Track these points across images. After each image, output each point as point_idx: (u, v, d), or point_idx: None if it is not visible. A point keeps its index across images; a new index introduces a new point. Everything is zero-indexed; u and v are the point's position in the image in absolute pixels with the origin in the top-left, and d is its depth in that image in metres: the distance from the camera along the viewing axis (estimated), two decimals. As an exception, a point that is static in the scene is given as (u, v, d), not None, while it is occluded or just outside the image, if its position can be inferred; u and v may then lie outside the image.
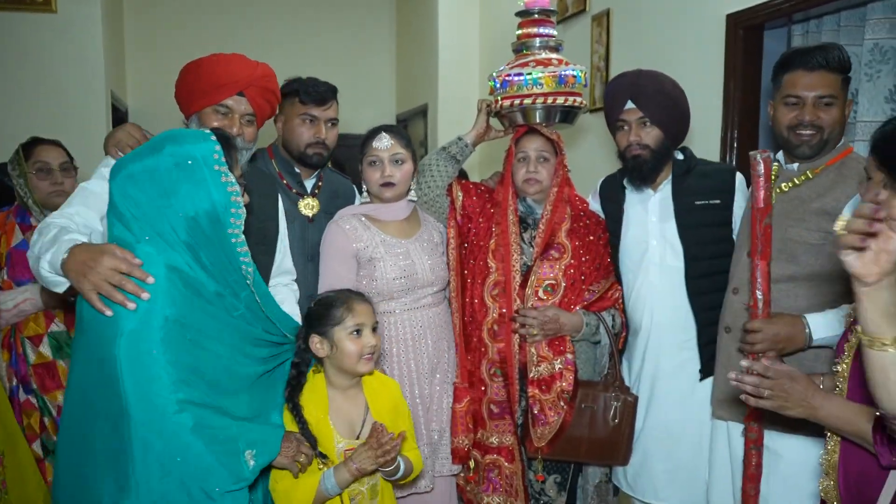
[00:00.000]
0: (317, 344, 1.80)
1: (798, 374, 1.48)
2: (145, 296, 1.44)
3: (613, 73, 3.77)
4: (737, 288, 2.06)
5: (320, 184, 2.47)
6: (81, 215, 1.73)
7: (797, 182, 2.00)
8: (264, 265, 2.01)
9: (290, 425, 1.75)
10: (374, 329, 1.85)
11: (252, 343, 1.67)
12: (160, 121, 6.78)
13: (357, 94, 7.11)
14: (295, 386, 1.80)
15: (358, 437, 1.82)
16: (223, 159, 1.55)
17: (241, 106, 1.92)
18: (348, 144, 7.28)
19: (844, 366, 1.49)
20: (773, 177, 2.06)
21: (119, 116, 5.87)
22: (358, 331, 1.81)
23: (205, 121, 1.91)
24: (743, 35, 2.90)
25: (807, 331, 1.84)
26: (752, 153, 1.79)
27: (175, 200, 1.51)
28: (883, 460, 1.33)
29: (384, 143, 2.22)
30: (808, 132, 1.95)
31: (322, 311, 1.82)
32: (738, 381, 1.49)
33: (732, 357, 2.04)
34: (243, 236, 1.60)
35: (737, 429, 2.06)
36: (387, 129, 2.26)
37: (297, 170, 2.43)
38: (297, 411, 1.76)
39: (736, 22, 2.91)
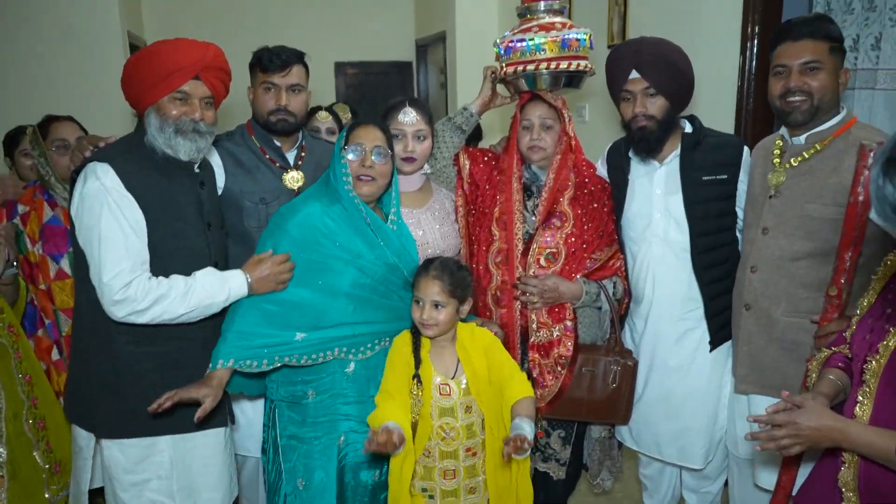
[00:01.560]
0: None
1: (807, 408, 1.45)
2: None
3: (632, 15, 3.65)
4: (755, 266, 2.08)
5: (303, 154, 2.46)
6: (143, 259, 1.83)
7: (806, 156, 2.00)
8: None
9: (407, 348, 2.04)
10: (441, 305, 1.97)
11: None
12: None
13: (376, 20, 6.96)
14: None
15: (453, 378, 2.01)
16: None
17: (199, 90, 1.88)
18: (369, 72, 7.23)
19: (877, 364, 1.47)
20: (778, 153, 2.06)
21: (138, 47, 5.86)
22: (418, 301, 1.99)
23: (164, 110, 1.85)
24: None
25: None
26: (864, 143, 1.78)
27: None
28: None
29: (409, 118, 2.23)
30: (796, 98, 1.97)
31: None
32: (756, 438, 1.49)
33: (753, 335, 2.10)
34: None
35: (758, 401, 2.12)
36: (412, 102, 2.26)
37: (278, 143, 2.41)
38: (416, 334, 2.04)
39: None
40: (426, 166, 2.34)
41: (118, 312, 1.78)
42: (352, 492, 2.04)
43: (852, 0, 2.70)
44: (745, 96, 2.90)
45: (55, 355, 2.57)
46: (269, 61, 2.30)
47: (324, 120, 3.06)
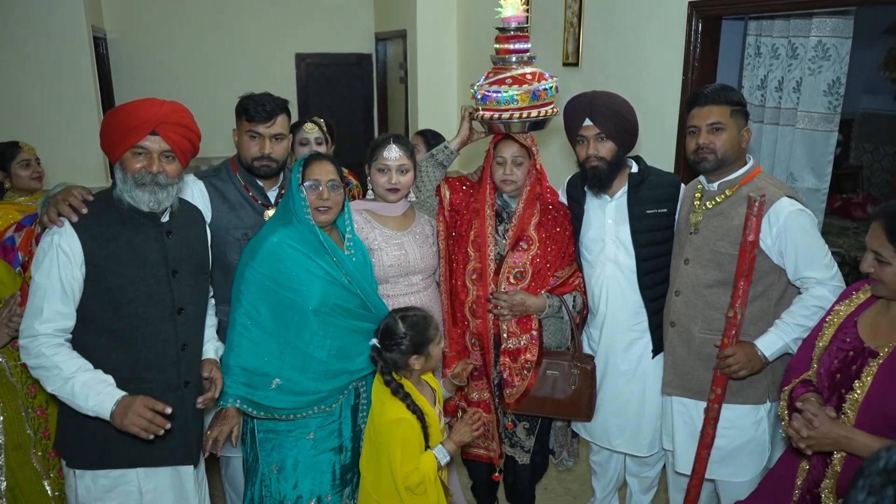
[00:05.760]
0: (416, 362, 2.25)
1: (823, 419, 1.78)
2: (161, 431, 1.93)
3: (585, 32, 3.98)
4: (679, 291, 2.47)
5: (282, 192, 2.62)
6: (65, 317, 1.95)
7: (718, 200, 2.39)
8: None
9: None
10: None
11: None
12: (137, 46, 6.81)
13: (336, 12, 7.12)
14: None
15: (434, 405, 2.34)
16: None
17: (157, 144, 1.98)
18: (328, 63, 7.39)
19: (858, 394, 1.78)
20: (699, 196, 2.45)
21: (98, 38, 5.91)
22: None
23: (127, 166, 1.98)
24: (703, 23, 3.14)
25: (759, 353, 2.27)
26: (751, 195, 2.18)
27: None
28: None
29: (393, 154, 2.55)
30: (704, 153, 2.35)
31: (420, 334, 2.24)
32: (793, 432, 1.85)
33: (677, 348, 2.50)
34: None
35: (678, 402, 2.54)
36: (395, 139, 2.58)
37: (261, 183, 2.60)
38: (420, 419, 2.24)
39: (697, 10, 3.14)
40: (411, 194, 2.65)
41: (21, 350, 1.97)
42: (319, 474, 2.37)
43: (778, 47, 3.10)
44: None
45: None
46: (255, 112, 2.48)
47: (310, 131, 3.20)
